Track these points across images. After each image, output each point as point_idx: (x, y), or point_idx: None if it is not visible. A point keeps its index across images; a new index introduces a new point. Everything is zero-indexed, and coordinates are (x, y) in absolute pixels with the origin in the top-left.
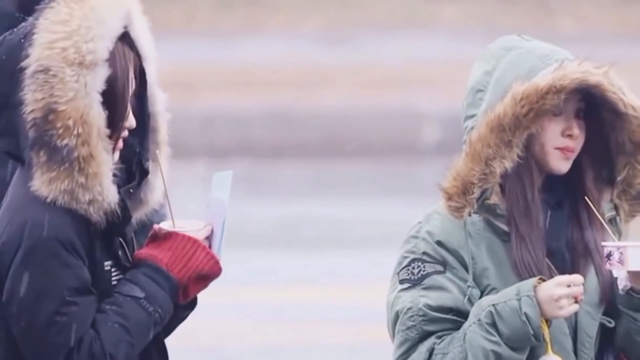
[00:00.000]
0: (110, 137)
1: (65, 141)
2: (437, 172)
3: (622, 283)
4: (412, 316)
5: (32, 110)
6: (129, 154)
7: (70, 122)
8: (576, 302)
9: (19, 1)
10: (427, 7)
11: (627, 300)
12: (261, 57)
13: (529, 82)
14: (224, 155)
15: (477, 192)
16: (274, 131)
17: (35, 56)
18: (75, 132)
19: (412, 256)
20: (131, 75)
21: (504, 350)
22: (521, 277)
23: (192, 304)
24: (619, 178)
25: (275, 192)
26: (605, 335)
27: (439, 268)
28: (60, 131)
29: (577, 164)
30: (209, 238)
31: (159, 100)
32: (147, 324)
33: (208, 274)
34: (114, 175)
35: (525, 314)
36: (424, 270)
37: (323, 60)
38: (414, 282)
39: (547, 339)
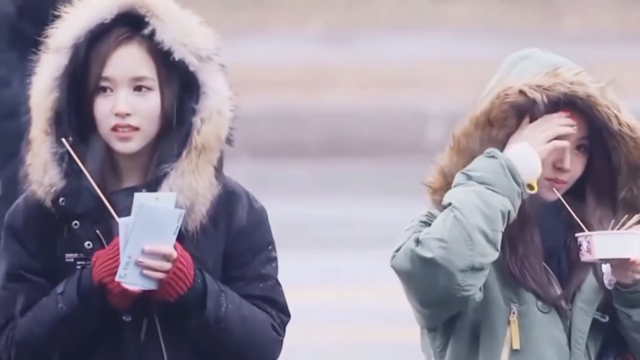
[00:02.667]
0: (55, 120)
1: (30, 124)
2: None
3: (608, 277)
4: (410, 227)
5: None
6: (159, 155)
7: (31, 104)
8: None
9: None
10: (431, 7)
11: (618, 297)
12: (264, 57)
13: (518, 85)
14: (227, 155)
15: (449, 180)
16: (277, 131)
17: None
18: (31, 114)
19: (412, 230)
20: (105, 61)
21: (481, 188)
22: (517, 281)
23: (200, 312)
24: (618, 197)
25: (279, 191)
26: (608, 334)
27: None
28: (28, 115)
29: (579, 186)
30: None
31: (209, 108)
32: (52, 319)
33: (109, 286)
34: (62, 160)
35: (491, 151)
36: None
37: (327, 60)
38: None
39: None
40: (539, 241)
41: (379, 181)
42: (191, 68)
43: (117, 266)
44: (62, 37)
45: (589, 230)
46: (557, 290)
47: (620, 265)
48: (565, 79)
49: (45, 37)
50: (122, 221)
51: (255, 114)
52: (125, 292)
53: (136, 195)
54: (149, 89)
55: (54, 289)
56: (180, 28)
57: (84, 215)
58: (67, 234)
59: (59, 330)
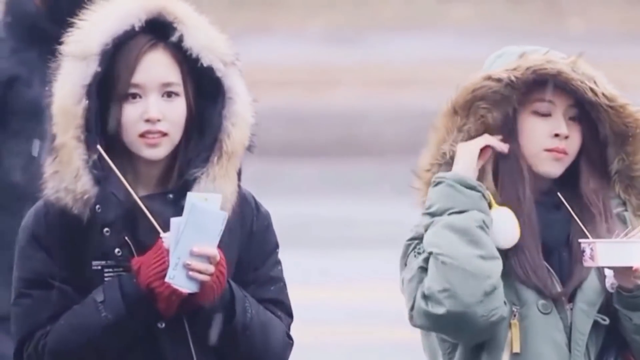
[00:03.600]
0: (86, 127)
1: (53, 130)
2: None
3: (609, 281)
4: (412, 268)
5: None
6: (185, 159)
7: (55, 111)
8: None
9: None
10: (436, 7)
11: (619, 299)
12: (270, 57)
13: (484, 72)
14: None
15: (427, 177)
16: (283, 131)
17: (62, 55)
18: (57, 120)
19: (414, 242)
20: (134, 68)
21: (446, 219)
22: (517, 277)
23: (230, 317)
24: (612, 169)
25: (285, 192)
26: (608, 335)
27: None
28: (51, 120)
29: (575, 165)
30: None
31: (237, 113)
32: (96, 327)
33: (157, 290)
34: (94, 167)
35: (438, 177)
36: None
37: (332, 60)
38: (416, 258)
39: (489, 197)
40: (539, 238)
41: (383, 181)
42: (218, 74)
43: (165, 269)
44: (89, 43)
45: (588, 224)
46: (558, 288)
47: (623, 271)
48: (532, 59)
49: (66, 42)
50: (174, 221)
51: (259, 114)
52: (172, 295)
53: (189, 194)
54: (176, 94)
55: (83, 296)
56: (205, 34)
57: (115, 222)
58: (96, 241)
59: (102, 338)
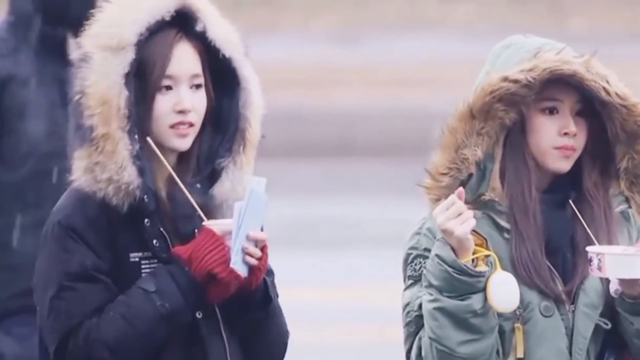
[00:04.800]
0: (129, 117)
1: (89, 121)
2: None
3: (614, 287)
4: (409, 312)
5: (74, 96)
6: (213, 150)
7: (93, 103)
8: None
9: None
10: (438, 6)
11: (622, 304)
12: (272, 57)
13: (501, 74)
14: None
15: (446, 181)
16: (285, 131)
17: (84, 46)
18: (96, 111)
19: (415, 252)
20: (169, 59)
21: (445, 302)
22: (519, 276)
23: (265, 303)
24: (620, 167)
25: (287, 191)
26: (608, 336)
27: None
28: (87, 112)
29: (579, 163)
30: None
31: (255, 103)
32: (152, 318)
33: (221, 278)
34: (137, 158)
35: (437, 255)
36: (424, 266)
37: (334, 59)
38: (416, 278)
39: (488, 268)
40: (544, 237)
41: (387, 181)
42: (235, 64)
43: (224, 255)
44: (125, 33)
45: (588, 220)
46: (560, 288)
47: (630, 281)
48: (548, 59)
49: (92, 34)
50: (236, 206)
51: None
52: (233, 281)
53: (249, 179)
54: (200, 86)
55: (120, 288)
56: (224, 25)
57: (153, 213)
58: (134, 233)
59: (159, 328)
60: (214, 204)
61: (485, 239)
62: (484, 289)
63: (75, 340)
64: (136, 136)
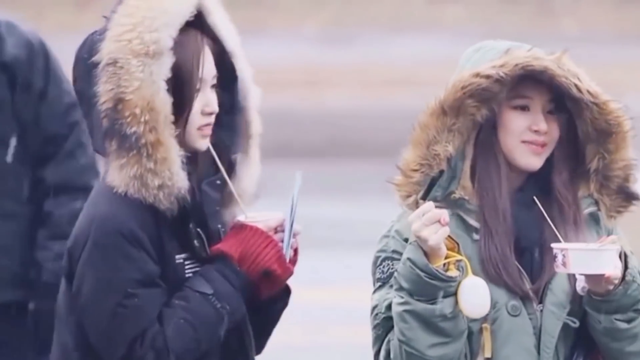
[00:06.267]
0: (177, 121)
1: (133, 129)
2: None
3: (580, 285)
4: (377, 314)
5: (104, 102)
6: (220, 146)
7: (137, 110)
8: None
9: None
10: (429, 7)
11: (589, 302)
12: (264, 57)
13: (472, 70)
14: None
15: (417, 177)
16: (277, 131)
17: (106, 50)
18: (142, 119)
19: (383, 255)
20: (203, 61)
21: (415, 305)
22: (487, 274)
23: (285, 297)
24: (590, 168)
25: (279, 192)
26: (578, 334)
27: None
28: (129, 119)
29: (550, 162)
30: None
31: (252, 94)
32: (215, 321)
33: (278, 274)
34: (183, 162)
35: (409, 259)
36: (392, 268)
37: (326, 60)
38: (384, 281)
39: (459, 273)
40: (513, 236)
41: (378, 182)
42: (234, 59)
43: (279, 251)
44: (160, 38)
45: (557, 220)
46: (528, 286)
47: (595, 277)
48: (519, 55)
49: (121, 39)
50: (289, 201)
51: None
52: (287, 277)
53: (297, 173)
54: (215, 85)
55: (170, 291)
56: (226, 19)
57: (195, 216)
58: (179, 236)
59: (220, 330)
60: (229, 200)
61: (458, 244)
62: (454, 294)
63: (141, 347)
64: (210, 145)
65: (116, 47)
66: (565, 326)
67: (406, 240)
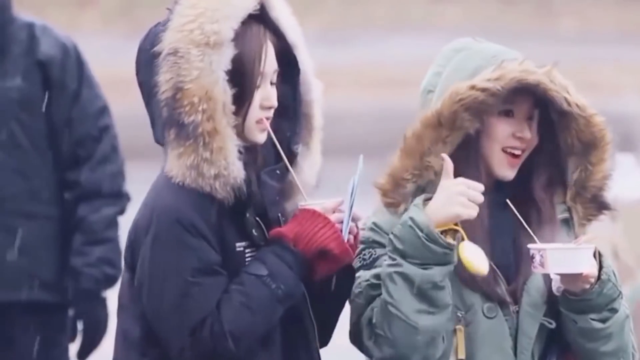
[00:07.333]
0: (236, 113)
1: (191, 117)
2: None
3: (556, 285)
4: (359, 283)
5: (164, 91)
6: (281, 137)
7: (196, 99)
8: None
9: None
10: (427, 8)
11: (565, 302)
12: None
13: (467, 82)
14: None
15: (409, 187)
16: None
17: (167, 40)
18: (200, 108)
19: (363, 246)
20: (265, 55)
21: (407, 268)
22: (462, 279)
23: (348, 282)
24: (572, 178)
25: None
26: (551, 335)
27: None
28: (187, 108)
29: (528, 165)
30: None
31: (314, 87)
32: (270, 301)
33: (335, 253)
34: (240, 152)
35: (411, 219)
36: (375, 254)
37: (324, 61)
38: (367, 266)
39: (461, 234)
40: (489, 239)
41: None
42: (297, 52)
43: (336, 232)
44: (222, 29)
45: (534, 224)
46: (504, 289)
47: (571, 277)
48: (513, 69)
49: (180, 30)
50: (349, 184)
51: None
52: (344, 257)
53: (361, 158)
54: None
55: (232, 278)
56: (288, 12)
57: (252, 204)
58: (238, 224)
59: (276, 310)
60: (290, 190)
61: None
62: (447, 263)
63: (201, 335)
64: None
65: (177, 37)
66: (540, 327)
67: (386, 233)
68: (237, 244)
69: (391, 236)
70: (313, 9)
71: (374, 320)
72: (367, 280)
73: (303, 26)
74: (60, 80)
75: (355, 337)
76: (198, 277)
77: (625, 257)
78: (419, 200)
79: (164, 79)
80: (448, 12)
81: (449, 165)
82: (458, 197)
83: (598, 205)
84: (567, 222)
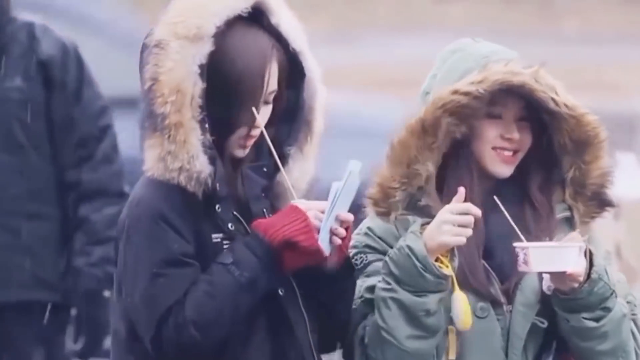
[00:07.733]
0: (226, 125)
1: (161, 109)
2: None
3: (546, 284)
4: (354, 300)
5: (145, 82)
6: (278, 138)
7: (166, 91)
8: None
9: None
10: (431, 8)
11: (556, 301)
12: None
13: (450, 86)
14: None
15: (399, 196)
16: None
17: (156, 33)
18: (169, 100)
19: (355, 250)
20: (268, 77)
21: (401, 295)
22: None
23: (348, 272)
24: (567, 177)
25: None
26: (548, 335)
27: (380, 256)
28: (159, 100)
29: (524, 167)
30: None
31: (319, 94)
32: (233, 288)
33: (302, 246)
34: (208, 147)
35: (408, 247)
36: (366, 260)
37: (327, 61)
38: (359, 271)
39: (452, 274)
40: (483, 239)
41: None
42: (301, 57)
43: (307, 226)
44: (203, 24)
45: (534, 224)
46: (497, 288)
47: (558, 275)
48: (497, 71)
49: (168, 23)
50: (333, 186)
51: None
52: (317, 254)
53: (351, 162)
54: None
55: (214, 263)
56: (291, 18)
57: (225, 199)
58: (212, 217)
59: (241, 299)
60: (279, 189)
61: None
62: (441, 291)
63: (167, 326)
64: (207, 125)
65: (164, 31)
66: (534, 327)
67: (379, 237)
68: (214, 235)
69: (387, 259)
70: (318, 9)
71: (366, 341)
72: (361, 296)
73: (307, 26)
74: (61, 80)
75: (348, 355)
76: (164, 268)
77: (628, 257)
78: (416, 226)
79: (146, 70)
80: (453, 13)
81: (459, 196)
82: (443, 226)
83: (599, 203)
84: (569, 221)
